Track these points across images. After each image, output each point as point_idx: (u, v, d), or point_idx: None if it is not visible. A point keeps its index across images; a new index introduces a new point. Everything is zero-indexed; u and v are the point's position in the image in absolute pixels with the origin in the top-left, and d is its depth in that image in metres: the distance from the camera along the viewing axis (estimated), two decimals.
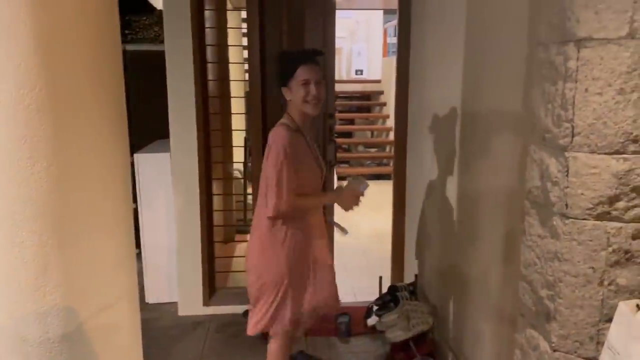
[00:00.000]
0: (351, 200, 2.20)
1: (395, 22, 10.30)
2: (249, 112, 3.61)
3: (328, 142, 4.18)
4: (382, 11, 10.44)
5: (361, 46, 10.71)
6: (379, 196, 7.42)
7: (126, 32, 4.31)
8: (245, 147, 5.19)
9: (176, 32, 3.25)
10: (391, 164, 8.75)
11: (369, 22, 10.80)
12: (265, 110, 3.48)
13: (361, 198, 2.24)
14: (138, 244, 3.72)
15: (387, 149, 8.75)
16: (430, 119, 3.01)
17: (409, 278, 3.45)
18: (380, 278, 3.24)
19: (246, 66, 5.61)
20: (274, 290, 2.19)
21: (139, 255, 3.76)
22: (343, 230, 2.44)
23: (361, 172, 8.46)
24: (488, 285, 2.23)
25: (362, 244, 4.98)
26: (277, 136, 2.10)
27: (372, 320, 3.17)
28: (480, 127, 2.34)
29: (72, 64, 1.23)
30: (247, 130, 4.81)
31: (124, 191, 1.42)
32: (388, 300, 3.05)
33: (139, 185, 3.58)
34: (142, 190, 3.58)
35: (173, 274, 3.56)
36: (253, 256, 2.24)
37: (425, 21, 3.18)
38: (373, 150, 9.06)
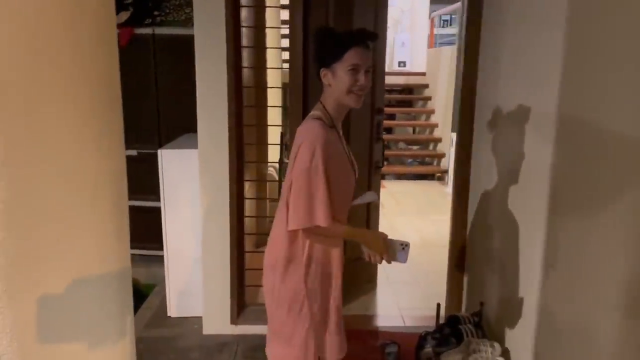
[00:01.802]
0: (380, 252, 1.84)
1: (442, 11, 9.72)
2: (288, 105, 3.14)
3: (375, 140, 3.70)
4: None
5: (405, 36, 10.10)
6: (421, 199, 6.89)
7: (155, 13, 3.90)
8: (282, 144, 4.72)
9: (208, 10, 2.81)
10: (435, 162, 8.22)
11: (414, 10, 10.17)
12: (306, 102, 3.02)
13: (385, 262, 1.89)
14: (161, 248, 3.35)
15: (431, 146, 8.20)
16: (509, 122, 2.48)
17: (469, 305, 2.95)
18: (438, 305, 2.75)
19: (284, 54, 5.19)
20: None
21: (161, 259, 3.38)
22: (404, 248, 1.90)
23: (402, 171, 7.91)
24: (597, 340, 1.72)
25: None
26: (311, 134, 1.69)
27: (426, 354, 2.69)
28: (587, 144, 1.82)
29: (35, 43, 0.80)
30: (284, 126, 4.36)
31: (112, 201, 0.99)
32: (448, 334, 2.58)
33: (163, 185, 3.19)
34: (166, 189, 3.19)
35: (199, 284, 3.16)
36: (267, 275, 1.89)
37: (502, 6, 2.65)
38: (415, 147, 8.50)
